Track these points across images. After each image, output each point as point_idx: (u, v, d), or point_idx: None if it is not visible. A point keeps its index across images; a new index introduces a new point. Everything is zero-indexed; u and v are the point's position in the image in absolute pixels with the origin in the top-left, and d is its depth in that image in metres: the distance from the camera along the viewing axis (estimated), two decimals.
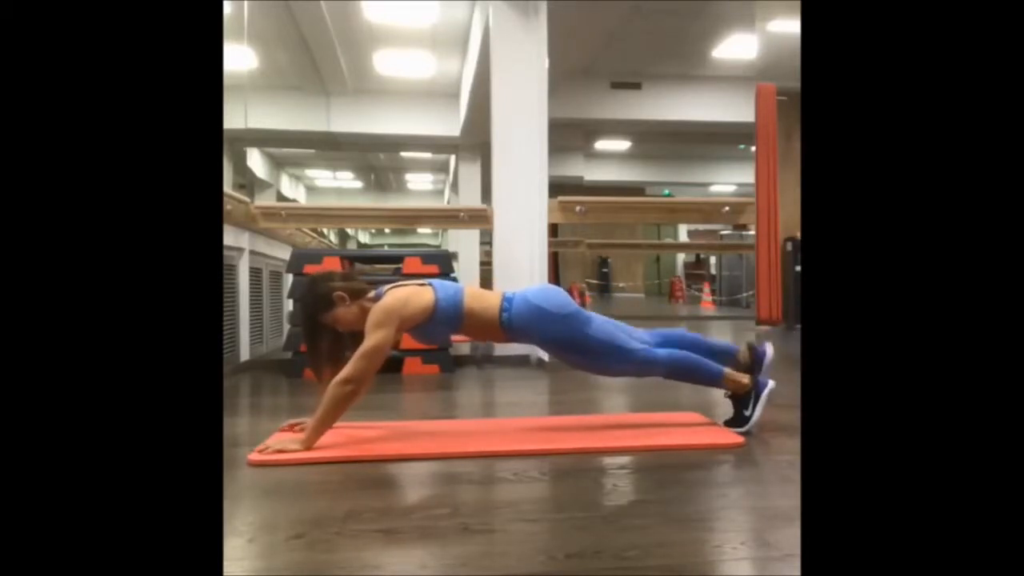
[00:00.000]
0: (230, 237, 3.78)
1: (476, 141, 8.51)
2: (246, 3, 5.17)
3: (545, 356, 3.62)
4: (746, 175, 7.70)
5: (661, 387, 2.33)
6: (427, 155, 12.24)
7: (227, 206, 3.69)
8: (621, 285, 17.91)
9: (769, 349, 2.16)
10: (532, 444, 1.93)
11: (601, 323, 2.11)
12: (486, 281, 7.02)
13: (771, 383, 2.11)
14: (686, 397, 2.62)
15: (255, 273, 4.26)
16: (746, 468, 1.74)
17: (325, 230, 8.39)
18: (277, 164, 12.95)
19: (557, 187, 4.28)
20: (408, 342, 2.47)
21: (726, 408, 2.20)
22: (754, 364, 2.16)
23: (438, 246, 12.96)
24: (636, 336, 2.17)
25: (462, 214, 4.51)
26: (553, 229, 4.35)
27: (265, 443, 1.88)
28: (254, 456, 1.79)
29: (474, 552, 1.20)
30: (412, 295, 2.04)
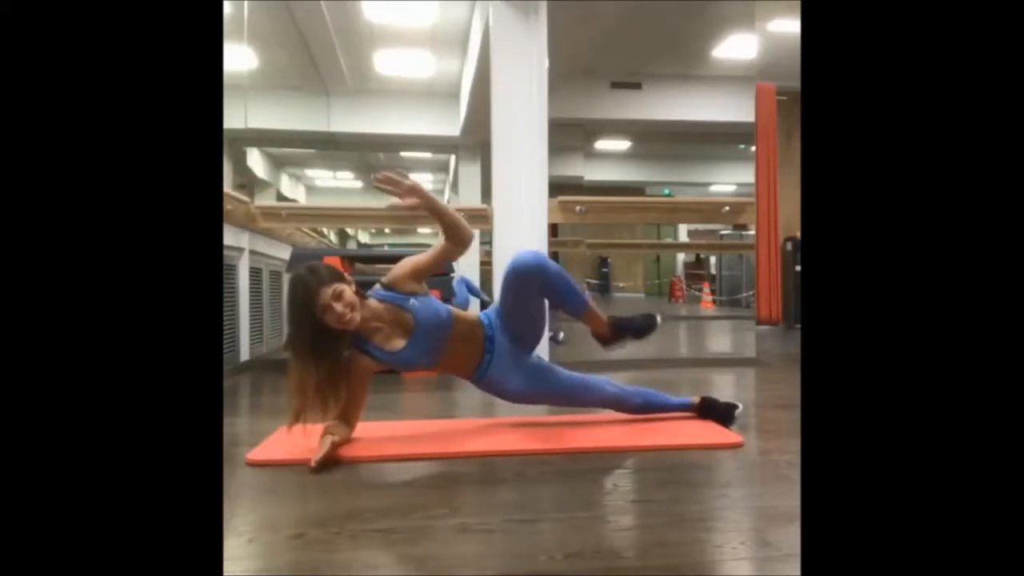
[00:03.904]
0: (230, 237, 3.78)
1: (476, 141, 8.50)
2: (246, 3, 5.17)
3: (546, 356, 3.62)
4: (746, 175, 7.71)
5: (661, 388, 2.33)
6: (427, 155, 12.21)
7: (227, 206, 3.69)
8: (621, 285, 17.87)
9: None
10: (532, 444, 1.93)
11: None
12: (487, 281, 7.01)
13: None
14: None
15: (255, 273, 4.26)
16: (746, 468, 1.74)
17: (325, 230, 8.37)
18: (277, 164, 12.92)
19: (557, 187, 4.26)
20: None
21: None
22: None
23: None
24: None
25: (462, 214, 4.50)
26: (553, 229, 4.34)
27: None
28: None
29: (474, 552, 1.20)
30: None
